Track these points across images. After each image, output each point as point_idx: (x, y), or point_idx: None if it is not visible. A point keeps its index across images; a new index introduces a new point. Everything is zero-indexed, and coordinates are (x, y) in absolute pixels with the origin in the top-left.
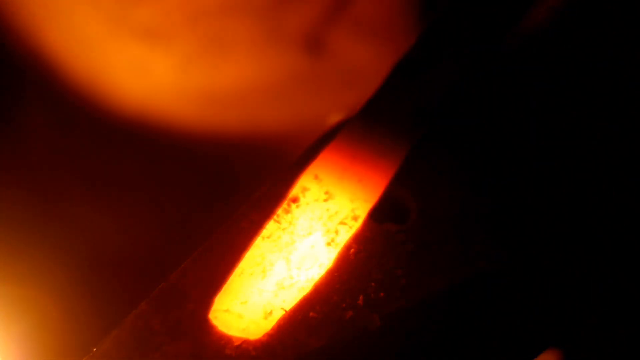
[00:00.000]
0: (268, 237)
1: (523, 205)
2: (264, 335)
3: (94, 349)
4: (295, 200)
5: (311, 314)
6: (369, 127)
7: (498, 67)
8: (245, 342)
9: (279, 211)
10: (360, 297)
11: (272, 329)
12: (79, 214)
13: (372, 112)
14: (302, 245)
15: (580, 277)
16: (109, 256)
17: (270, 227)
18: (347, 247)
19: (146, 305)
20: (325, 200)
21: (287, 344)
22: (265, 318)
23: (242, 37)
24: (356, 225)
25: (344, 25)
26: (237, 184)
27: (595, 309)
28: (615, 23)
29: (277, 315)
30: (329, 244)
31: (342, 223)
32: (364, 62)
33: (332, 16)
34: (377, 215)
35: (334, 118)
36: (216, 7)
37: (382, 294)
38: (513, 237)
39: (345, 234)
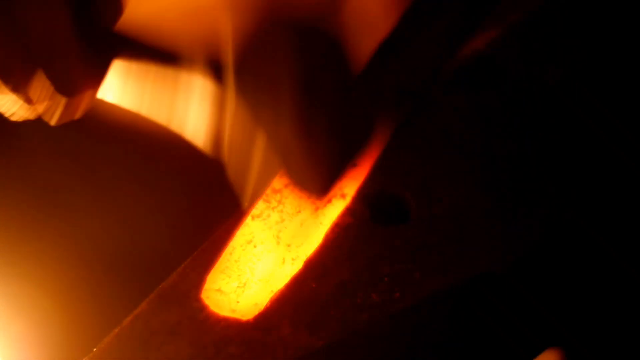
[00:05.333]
0: (258, 216)
1: (524, 204)
2: (264, 335)
3: (94, 349)
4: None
5: (312, 313)
6: (357, 105)
7: (495, 62)
8: (245, 342)
9: (268, 190)
10: (373, 295)
11: (273, 327)
12: (79, 214)
13: (357, 92)
14: (291, 223)
15: (580, 277)
16: (109, 256)
17: (259, 206)
18: (339, 231)
19: (146, 305)
20: None
21: (287, 343)
22: (258, 298)
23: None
24: (345, 203)
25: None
26: (229, 182)
27: (595, 309)
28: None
29: (270, 295)
30: (318, 221)
31: (331, 201)
32: (352, 55)
33: (325, 14)
34: (377, 215)
35: None
36: (207, 7)
37: (397, 292)
38: (514, 236)
39: (335, 212)
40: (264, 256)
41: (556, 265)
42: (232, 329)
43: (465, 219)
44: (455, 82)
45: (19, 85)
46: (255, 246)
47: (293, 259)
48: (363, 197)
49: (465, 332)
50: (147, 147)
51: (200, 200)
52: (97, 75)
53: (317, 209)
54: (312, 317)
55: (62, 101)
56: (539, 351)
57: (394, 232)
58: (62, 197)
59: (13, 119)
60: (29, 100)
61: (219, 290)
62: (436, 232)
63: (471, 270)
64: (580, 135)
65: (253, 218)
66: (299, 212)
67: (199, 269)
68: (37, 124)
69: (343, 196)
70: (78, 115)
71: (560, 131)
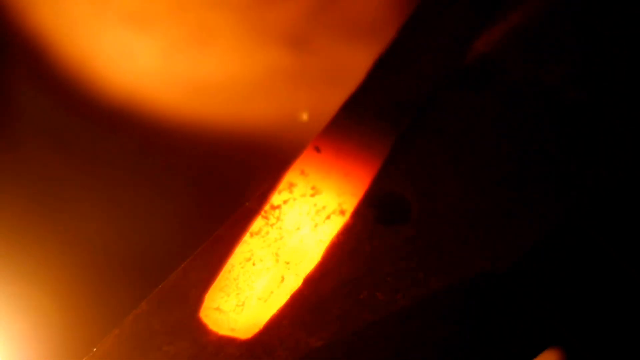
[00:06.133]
0: (256, 233)
1: (525, 204)
2: (264, 335)
3: (94, 349)
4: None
5: (313, 313)
6: (353, 121)
7: (496, 62)
8: (245, 342)
9: (266, 207)
10: (377, 294)
11: (272, 328)
12: (79, 214)
13: (356, 106)
14: (290, 240)
15: (580, 277)
16: (109, 256)
17: (258, 223)
18: (338, 242)
19: (146, 305)
20: (312, 195)
21: (287, 344)
22: (257, 316)
23: (226, 29)
24: (344, 220)
25: (328, 23)
26: (227, 179)
27: (595, 309)
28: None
29: (269, 313)
30: (317, 238)
31: (330, 217)
32: (348, 60)
33: (317, 13)
34: (376, 214)
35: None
36: None
37: (400, 292)
38: (514, 236)
39: (334, 228)
40: (263, 274)
41: (556, 266)
42: None
43: (465, 218)
44: (455, 82)
45: None
46: (254, 264)
47: (293, 277)
48: (364, 197)
49: (466, 332)
50: (148, 148)
51: (201, 199)
52: None
53: (316, 225)
54: (313, 317)
55: None
56: (539, 351)
57: (396, 231)
58: (62, 196)
59: None
60: None
61: (217, 309)
62: (437, 232)
63: (471, 270)
64: (581, 136)
65: (252, 235)
66: (298, 229)
67: (199, 269)
68: (37, 121)
69: (342, 212)
70: None
71: (561, 131)
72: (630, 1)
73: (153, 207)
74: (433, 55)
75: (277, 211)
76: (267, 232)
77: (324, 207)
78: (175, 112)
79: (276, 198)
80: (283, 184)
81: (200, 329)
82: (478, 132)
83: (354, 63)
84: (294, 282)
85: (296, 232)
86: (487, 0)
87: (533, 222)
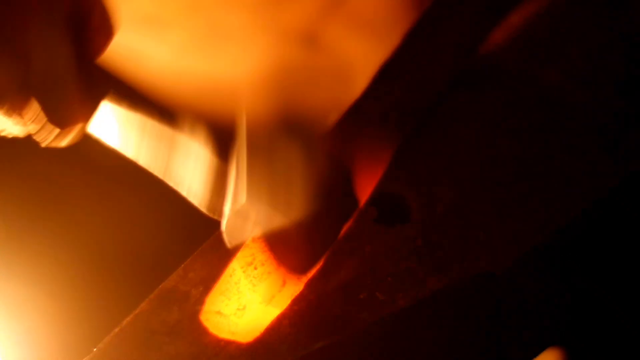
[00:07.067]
0: (259, 238)
1: (524, 204)
2: (265, 335)
3: (94, 349)
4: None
5: (313, 313)
6: (358, 124)
7: (496, 62)
8: (245, 342)
9: None
10: (377, 294)
11: (273, 328)
12: (79, 213)
13: (360, 109)
14: None
15: (580, 277)
16: (109, 256)
17: None
18: (339, 243)
19: (146, 305)
20: None
21: (287, 344)
22: (257, 320)
23: (237, 29)
24: (347, 223)
25: (339, 21)
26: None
27: (595, 309)
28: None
29: (270, 317)
30: None
31: None
32: (359, 58)
33: (328, 11)
34: (377, 215)
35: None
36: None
37: (400, 292)
38: (514, 236)
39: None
40: (265, 278)
41: (556, 266)
42: None
43: (466, 219)
44: (456, 85)
45: (12, 109)
46: (255, 268)
47: (294, 280)
48: (366, 199)
49: (466, 332)
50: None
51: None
52: (90, 109)
53: None
54: (313, 317)
55: (53, 130)
56: (539, 351)
57: (396, 231)
58: (62, 196)
59: (2, 134)
60: (20, 123)
61: (218, 312)
62: (437, 232)
63: (471, 270)
64: (581, 136)
65: (254, 240)
66: None
67: (199, 269)
68: None
69: None
70: (66, 144)
71: (561, 132)
72: (628, 2)
73: (153, 208)
74: (436, 62)
75: None
76: None
77: None
78: (184, 111)
79: None
80: None
81: (200, 329)
82: (478, 133)
83: (365, 61)
84: (295, 285)
85: None
86: (490, 4)
87: (532, 222)
